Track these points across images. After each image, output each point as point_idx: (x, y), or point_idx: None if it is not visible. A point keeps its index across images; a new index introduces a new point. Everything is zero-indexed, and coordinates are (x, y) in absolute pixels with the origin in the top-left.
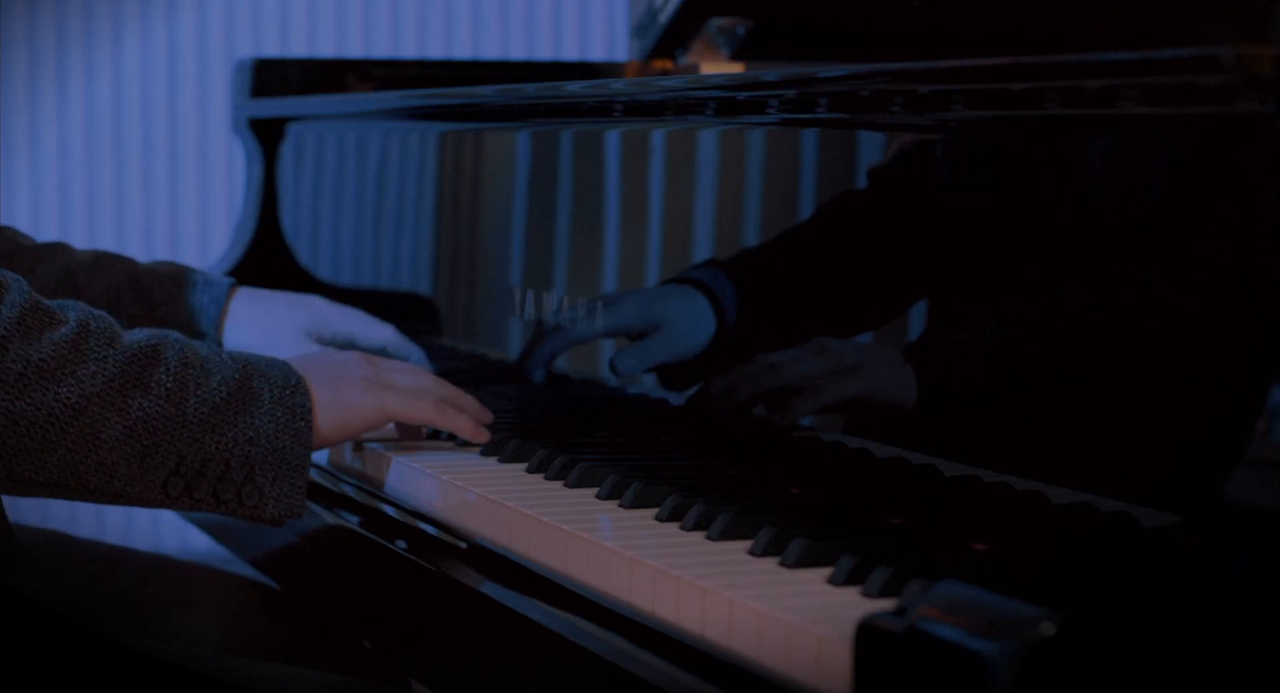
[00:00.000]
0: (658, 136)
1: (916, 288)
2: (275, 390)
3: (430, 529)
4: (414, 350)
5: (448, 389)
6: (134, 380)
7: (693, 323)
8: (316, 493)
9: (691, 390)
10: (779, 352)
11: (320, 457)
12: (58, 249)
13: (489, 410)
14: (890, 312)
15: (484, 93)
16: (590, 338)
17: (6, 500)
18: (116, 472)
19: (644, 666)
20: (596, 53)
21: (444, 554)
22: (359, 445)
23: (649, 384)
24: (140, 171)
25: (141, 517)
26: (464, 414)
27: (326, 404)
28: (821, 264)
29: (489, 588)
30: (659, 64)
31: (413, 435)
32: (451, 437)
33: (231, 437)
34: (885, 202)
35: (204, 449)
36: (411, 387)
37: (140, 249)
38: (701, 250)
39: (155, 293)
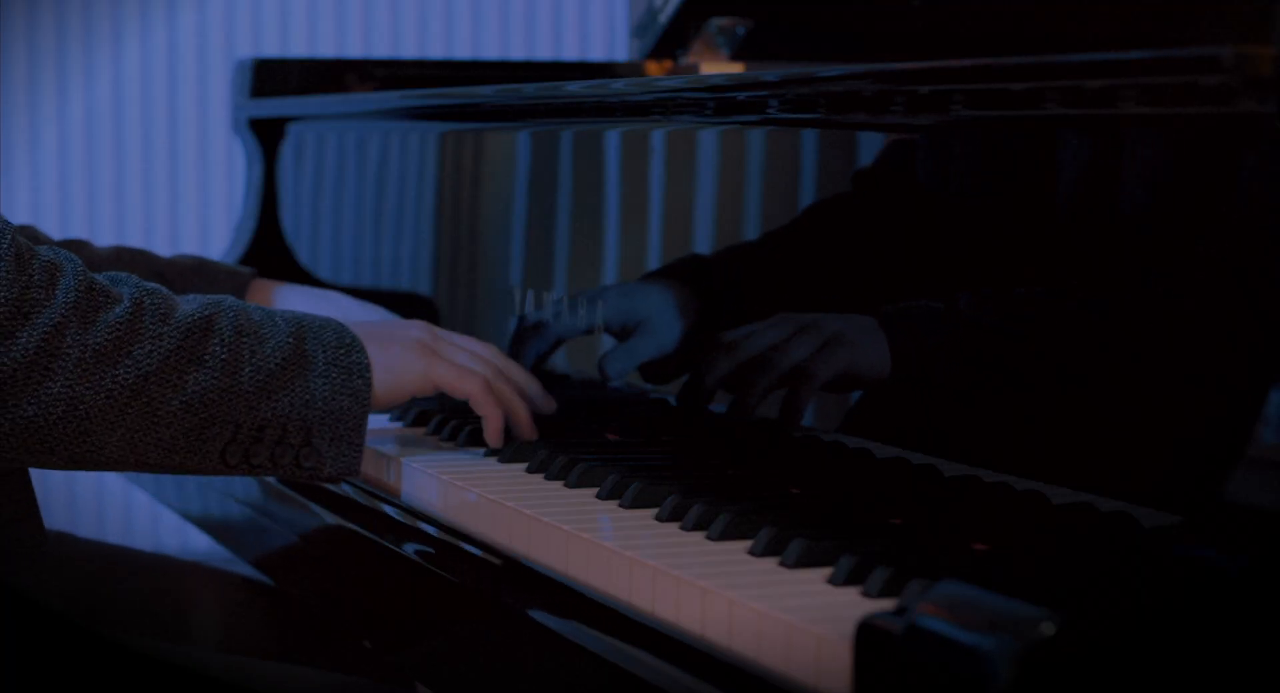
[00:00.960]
0: (658, 136)
1: (916, 288)
2: (329, 351)
3: (430, 529)
4: None
5: (507, 373)
6: (190, 355)
7: (674, 317)
8: (316, 493)
9: (679, 381)
10: (760, 335)
11: None
12: (78, 245)
13: (553, 399)
14: (889, 314)
15: (484, 93)
16: (573, 336)
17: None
18: (176, 446)
19: (644, 666)
20: (596, 53)
21: (444, 554)
22: None
23: (649, 384)
24: (140, 171)
25: (141, 517)
26: (499, 411)
27: (377, 364)
28: (820, 265)
29: (489, 588)
30: (659, 64)
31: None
32: (454, 437)
33: (288, 402)
34: (884, 201)
35: (260, 417)
36: (465, 363)
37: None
38: (701, 250)
39: (178, 285)
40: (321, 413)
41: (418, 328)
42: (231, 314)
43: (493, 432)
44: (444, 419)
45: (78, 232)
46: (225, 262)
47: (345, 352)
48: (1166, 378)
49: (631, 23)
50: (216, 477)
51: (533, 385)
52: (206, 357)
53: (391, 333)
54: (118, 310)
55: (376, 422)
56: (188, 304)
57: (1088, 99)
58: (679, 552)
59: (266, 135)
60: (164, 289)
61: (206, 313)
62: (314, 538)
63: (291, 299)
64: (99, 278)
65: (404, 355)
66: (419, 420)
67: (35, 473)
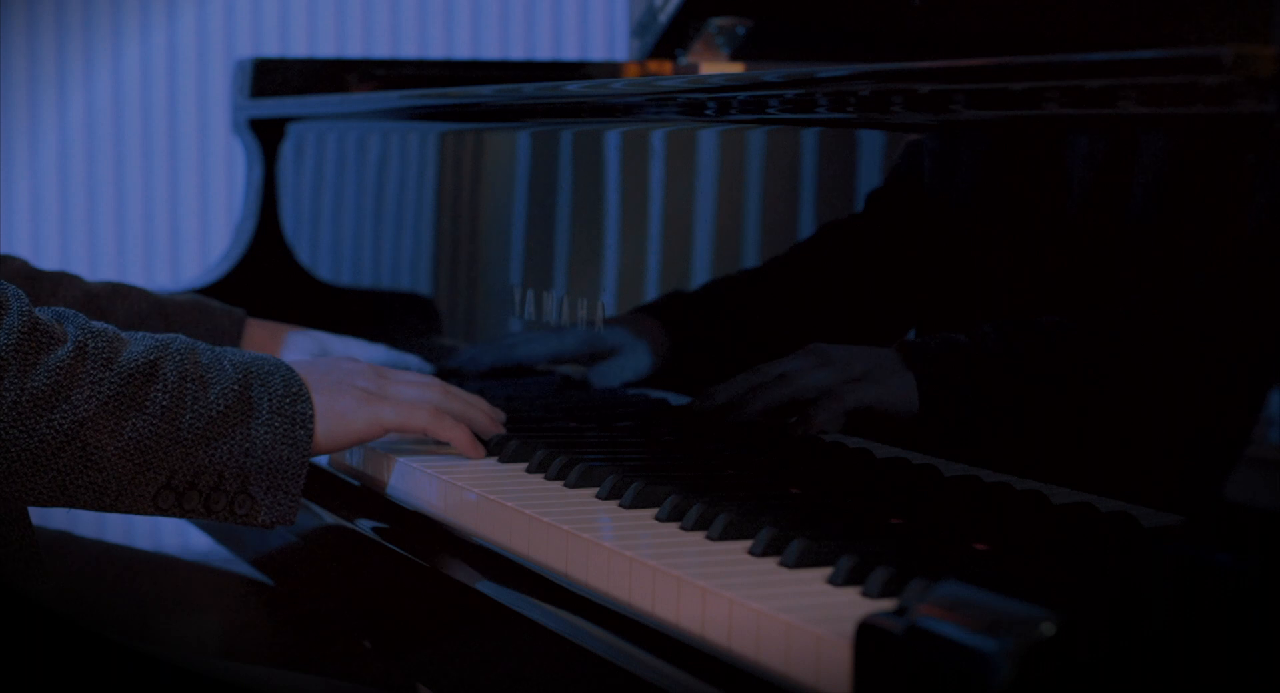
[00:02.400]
0: (658, 136)
1: (916, 290)
2: (275, 399)
3: (431, 529)
4: (410, 360)
5: (454, 399)
6: (130, 400)
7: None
8: (316, 493)
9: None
10: (782, 361)
11: (321, 457)
12: (69, 280)
13: (500, 412)
14: (889, 315)
15: (484, 93)
16: (533, 361)
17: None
18: (107, 489)
19: (644, 666)
20: (596, 53)
21: (444, 555)
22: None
23: (648, 385)
24: (140, 171)
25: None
26: (460, 426)
27: (322, 412)
28: (819, 269)
29: (489, 588)
30: (659, 64)
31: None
32: None
33: (226, 450)
34: (883, 203)
35: (196, 464)
36: (411, 398)
37: (140, 249)
38: (701, 250)
39: (176, 317)
40: (260, 462)
41: (361, 374)
42: (178, 358)
43: (463, 443)
44: None
45: (78, 231)
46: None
47: (291, 401)
48: (1167, 378)
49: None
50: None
51: (479, 412)
52: (147, 403)
53: (339, 380)
54: (60, 352)
55: None
56: (135, 346)
57: (1088, 99)
58: (679, 552)
59: (266, 135)
60: (111, 330)
61: (152, 357)
62: (314, 538)
63: (281, 331)
64: (45, 316)
65: (350, 404)
66: None
67: None
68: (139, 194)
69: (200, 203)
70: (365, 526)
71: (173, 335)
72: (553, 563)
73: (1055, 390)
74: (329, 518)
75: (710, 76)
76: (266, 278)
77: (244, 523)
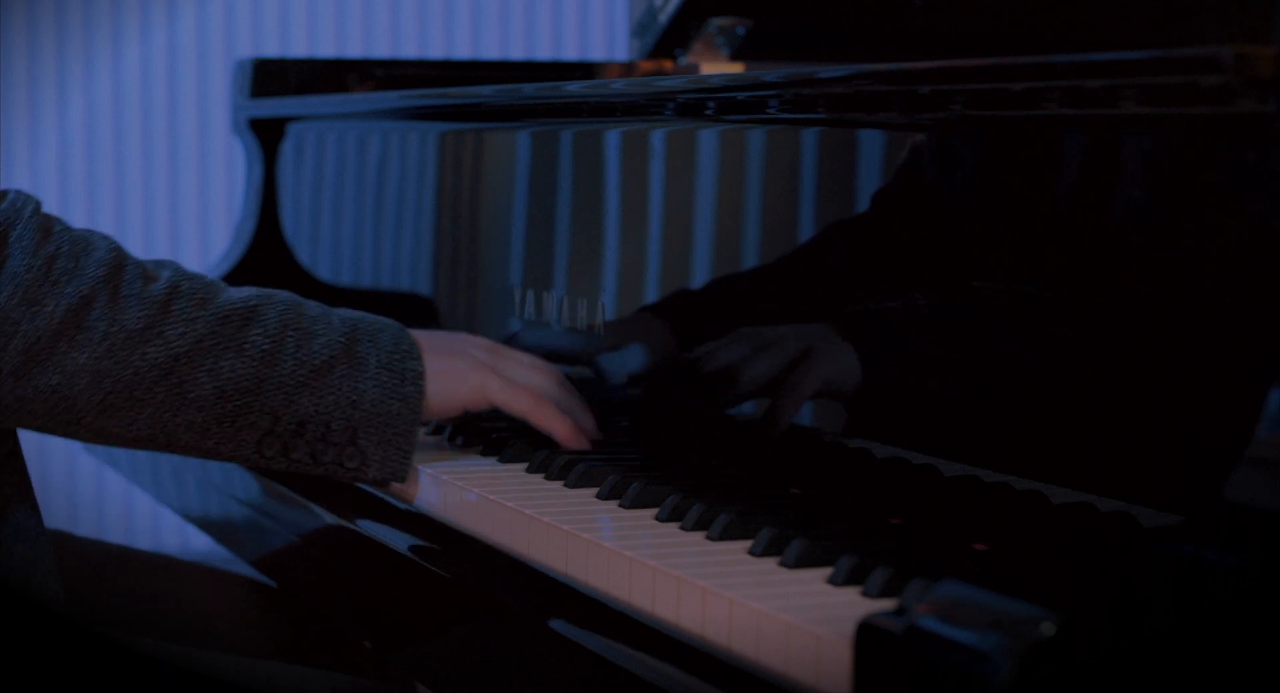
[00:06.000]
0: (658, 136)
1: (916, 290)
2: (383, 355)
3: (431, 529)
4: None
5: (565, 391)
6: (226, 341)
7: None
8: (316, 493)
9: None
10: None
11: None
12: None
13: (595, 424)
14: (890, 315)
15: (484, 93)
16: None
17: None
18: (208, 431)
19: (644, 666)
20: (596, 53)
21: (444, 554)
22: None
23: (648, 384)
24: (140, 172)
25: (142, 516)
26: (564, 417)
27: (431, 373)
28: (819, 269)
29: (489, 588)
30: (659, 64)
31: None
32: (452, 437)
33: (332, 400)
34: (884, 203)
35: (300, 410)
36: (522, 378)
37: (140, 249)
38: (701, 250)
39: None
40: (369, 414)
41: (477, 346)
42: (281, 307)
43: (565, 434)
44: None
45: None
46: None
47: (400, 357)
48: (1167, 378)
49: (631, 23)
50: (235, 470)
51: (582, 414)
52: (245, 345)
53: (452, 345)
54: (152, 289)
55: None
56: (235, 293)
57: (1088, 99)
58: (679, 552)
59: (266, 135)
60: (209, 278)
61: (252, 303)
62: (314, 538)
63: None
64: (138, 258)
65: (462, 368)
66: None
67: (35, 473)
68: (139, 194)
69: (200, 203)
70: (365, 525)
71: (279, 290)
72: (553, 563)
73: (1056, 390)
74: (329, 518)
75: (710, 76)
76: (266, 278)
77: (353, 478)
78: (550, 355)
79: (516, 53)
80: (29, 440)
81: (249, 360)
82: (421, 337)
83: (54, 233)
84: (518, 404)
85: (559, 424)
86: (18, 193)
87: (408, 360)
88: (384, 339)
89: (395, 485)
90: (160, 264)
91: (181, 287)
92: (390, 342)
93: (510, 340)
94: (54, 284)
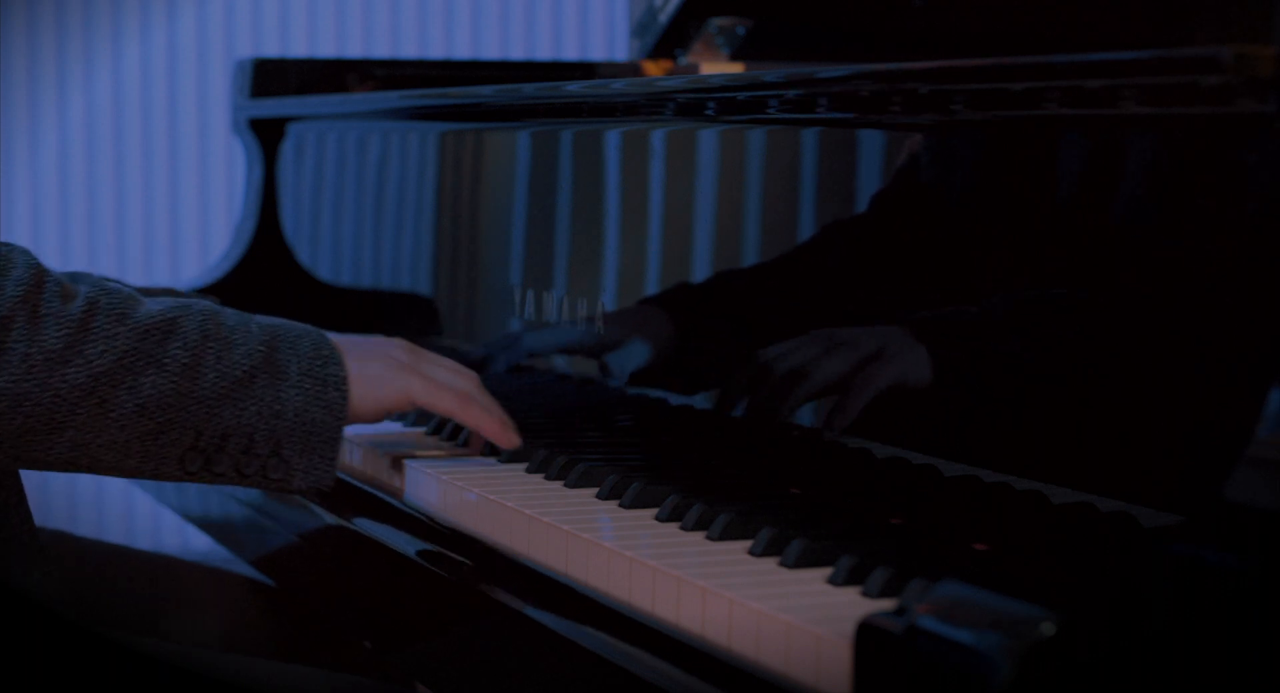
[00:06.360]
0: (658, 136)
1: (916, 290)
2: (304, 361)
3: (430, 529)
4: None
5: (483, 393)
6: (147, 356)
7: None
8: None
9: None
10: (795, 352)
11: None
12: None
13: (515, 429)
14: (890, 315)
15: (484, 93)
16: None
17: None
18: (130, 449)
19: (644, 666)
20: (596, 53)
21: (444, 554)
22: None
23: (648, 384)
24: (140, 171)
25: (141, 517)
26: (490, 414)
27: (353, 377)
28: (819, 269)
29: (489, 588)
30: (659, 64)
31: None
32: (454, 437)
33: (254, 411)
34: (884, 203)
35: (223, 424)
36: (444, 379)
37: (140, 249)
38: (701, 249)
39: None
40: (292, 424)
41: (397, 347)
42: (199, 318)
43: (493, 428)
44: (445, 419)
45: (78, 232)
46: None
47: (321, 363)
48: (1167, 378)
49: (631, 23)
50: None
51: (495, 405)
52: (165, 360)
53: (372, 349)
54: (71, 307)
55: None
56: (153, 305)
57: (1088, 99)
58: (679, 552)
59: (266, 135)
60: (126, 289)
61: (171, 315)
62: (314, 538)
63: None
64: (55, 274)
65: (384, 370)
66: (419, 420)
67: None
68: (139, 194)
69: (200, 203)
70: (365, 525)
71: (197, 299)
72: (553, 563)
73: (1056, 390)
74: (329, 518)
75: (710, 76)
76: (266, 278)
77: (279, 488)
78: (550, 355)
79: (516, 53)
80: None
81: (169, 375)
82: (341, 341)
83: None
84: (444, 403)
85: (487, 420)
86: None
87: (329, 366)
88: (304, 346)
89: (388, 483)
90: (76, 277)
91: (100, 302)
92: (310, 348)
93: (510, 338)
94: None
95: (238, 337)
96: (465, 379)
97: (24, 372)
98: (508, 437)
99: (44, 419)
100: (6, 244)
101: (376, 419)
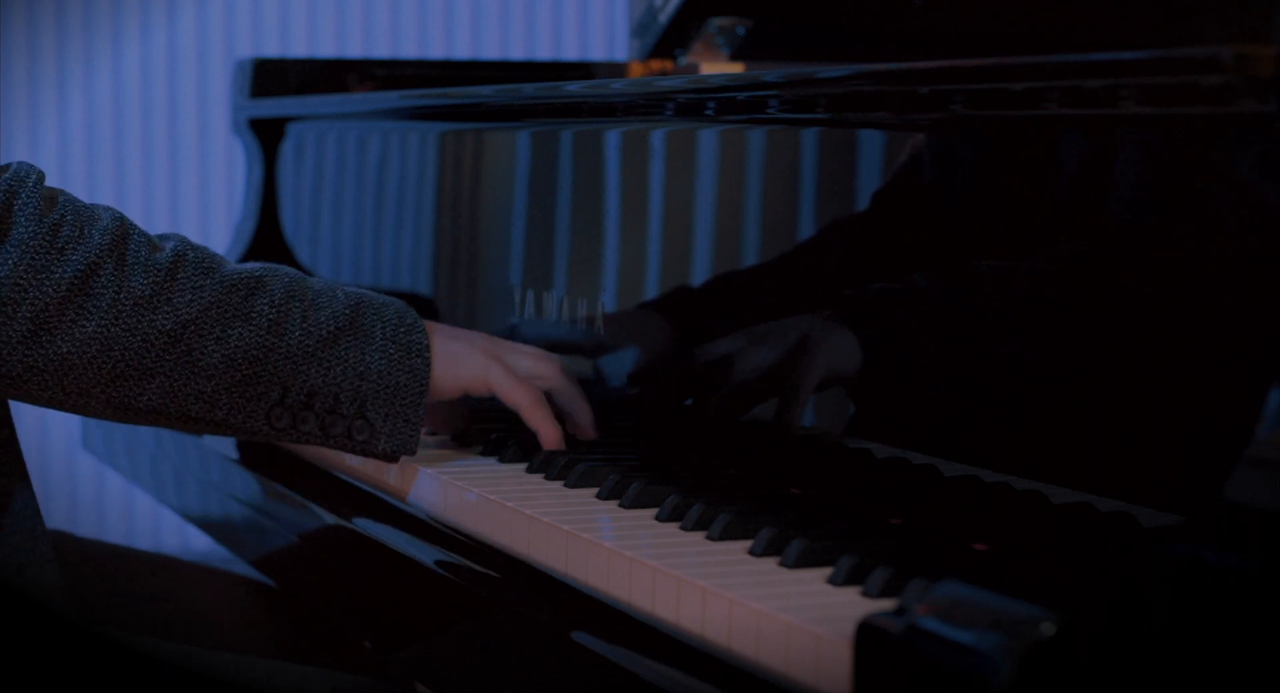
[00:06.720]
0: (658, 136)
1: (915, 290)
2: (389, 327)
3: (431, 529)
4: None
5: (568, 386)
6: (234, 310)
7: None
8: (316, 493)
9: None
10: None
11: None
12: None
13: (596, 428)
14: (890, 314)
15: (484, 93)
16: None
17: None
18: (218, 400)
19: (644, 666)
20: (596, 53)
21: (444, 555)
22: None
23: (648, 384)
24: (140, 171)
25: (142, 516)
26: (554, 421)
27: (438, 351)
28: (819, 269)
29: (489, 588)
30: (659, 64)
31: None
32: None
33: (340, 371)
34: (884, 203)
35: (309, 381)
36: (525, 369)
37: None
38: (701, 249)
39: None
40: (376, 386)
41: (481, 335)
42: (286, 279)
43: (549, 443)
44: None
45: None
46: None
47: (406, 331)
48: (1167, 378)
49: (631, 23)
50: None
51: (582, 408)
52: (252, 314)
53: (455, 330)
54: (158, 257)
55: None
56: (238, 265)
57: (1088, 99)
58: (679, 552)
59: (266, 135)
60: (210, 250)
61: (257, 274)
62: (314, 538)
63: None
64: (141, 230)
65: (467, 350)
66: None
67: (35, 473)
68: (139, 194)
69: (200, 203)
70: (365, 525)
71: (280, 264)
72: (553, 563)
73: (1055, 390)
74: (329, 518)
75: (710, 76)
76: None
77: (363, 451)
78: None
79: (516, 53)
80: (29, 440)
81: (256, 329)
82: (428, 322)
83: (58, 202)
84: (516, 396)
85: (548, 427)
86: (21, 163)
87: (414, 333)
88: (389, 312)
89: (389, 482)
90: (164, 236)
91: (187, 255)
92: (395, 315)
93: (510, 334)
94: (60, 252)
95: (323, 299)
96: (548, 366)
97: (113, 317)
98: (559, 445)
99: (133, 364)
100: (93, 204)
101: (454, 395)
